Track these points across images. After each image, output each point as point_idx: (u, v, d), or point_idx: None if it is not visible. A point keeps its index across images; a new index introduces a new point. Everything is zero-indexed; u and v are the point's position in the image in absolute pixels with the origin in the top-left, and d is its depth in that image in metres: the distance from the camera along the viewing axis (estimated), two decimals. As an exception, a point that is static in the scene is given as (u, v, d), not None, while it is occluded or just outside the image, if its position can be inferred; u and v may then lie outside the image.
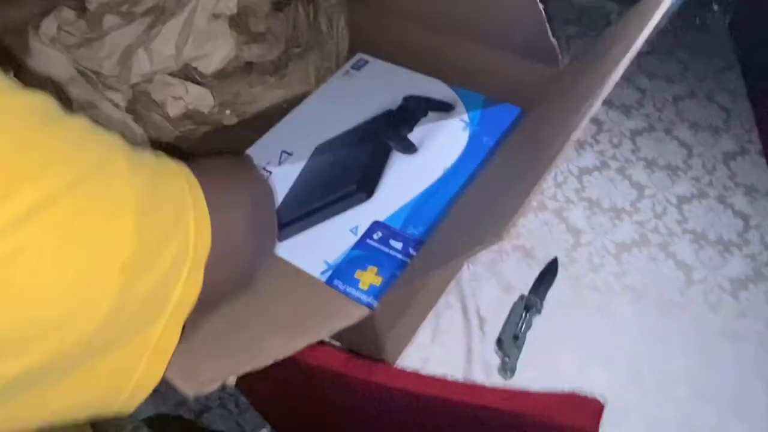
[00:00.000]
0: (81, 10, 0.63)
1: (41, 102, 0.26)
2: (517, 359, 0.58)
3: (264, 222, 0.44)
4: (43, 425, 0.27)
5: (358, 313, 0.47)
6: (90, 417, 0.30)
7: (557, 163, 0.36)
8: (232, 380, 0.39)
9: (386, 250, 0.54)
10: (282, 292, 0.48)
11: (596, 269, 0.66)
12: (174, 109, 0.66)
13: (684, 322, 0.61)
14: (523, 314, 0.61)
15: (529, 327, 0.60)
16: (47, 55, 0.60)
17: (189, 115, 0.67)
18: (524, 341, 0.59)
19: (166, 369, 0.32)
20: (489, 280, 0.65)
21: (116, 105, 0.63)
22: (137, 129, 0.64)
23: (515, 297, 0.63)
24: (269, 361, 0.39)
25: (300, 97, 0.72)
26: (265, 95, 0.71)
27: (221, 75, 0.68)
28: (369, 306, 0.48)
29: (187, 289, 0.30)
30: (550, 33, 0.59)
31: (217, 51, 0.66)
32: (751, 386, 0.57)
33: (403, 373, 0.55)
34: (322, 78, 0.75)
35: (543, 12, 0.55)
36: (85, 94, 0.61)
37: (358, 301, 0.49)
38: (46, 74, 0.60)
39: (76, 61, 0.62)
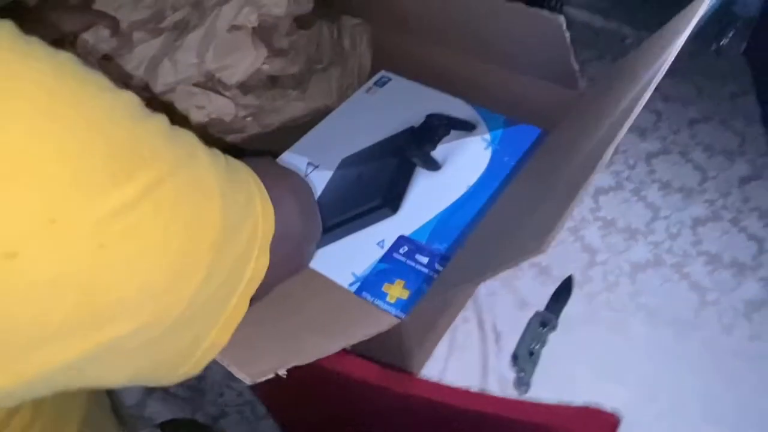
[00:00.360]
0: (115, 29, 0.66)
1: (133, 100, 0.28)
2: (532, 374, 0.59)
3: (309, 212, 0.48)
4: (110, 385, 0.32)
5: (388, 321, 0.49)
6: (155, 380, 0.33)
7: (594, 178, 0.38)
8: (283, 371, 0.42)
9: (412, 264, 0.56)
10: (316, 298, 0.51)
11: (611, 288, 0.67)
12: (197, 117, 0.68)
13: (697, 342, 0.62)
14: (539, 330, 0.62)
15: (544, 343, 0.62)
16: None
17: (212, 124, 0.69)
18: (539, 357, 0.61)
19: (225, 358, 0.37)
20: (505, 297, 0.66)
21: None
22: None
23: (531, 313, 0.64)
24: (311, 359, 0.42)
25: (322, 111, 0.74)
26: (286, 108, 0.73)
27: (244, 87, 0.71)
28: (398, 317, 0.50)
29: (257, 267, 0.34)
30: (573, 58, 0.61)
31: (240, 63, 0.69)
32: (764, 407, 0.57)
33: (426, 383, 0.56)
34: (344, 93, 0.78)
35: (568, 38, 0.56)
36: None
37: (388, 312, 0.51)
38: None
39: (107, 72, 0.65)
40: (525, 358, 0.60)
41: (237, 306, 0.33)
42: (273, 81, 0.73)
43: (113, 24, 0.66)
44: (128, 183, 0.24)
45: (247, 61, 0.69)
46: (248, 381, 0.41)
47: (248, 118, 0.71)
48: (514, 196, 0.59)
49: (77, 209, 0.23)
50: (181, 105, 0.67)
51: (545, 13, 0.56)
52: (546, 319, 0.63)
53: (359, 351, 0.56)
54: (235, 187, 0.33)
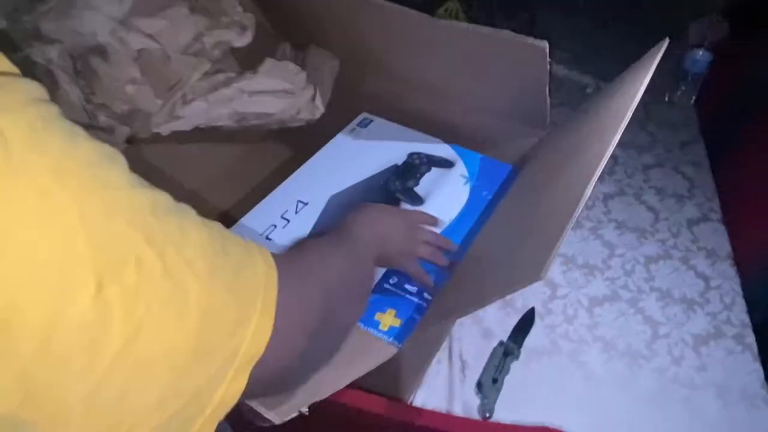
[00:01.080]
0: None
1: (157, 198, 0.29)
2: (495, 401, 0.62)
3: (339, 314, 0.44)
4: None
5: (389, 351, 0.51)
6: None
7: (579, 209, 0.42)
8: (305, 409, 0.44)
9: (402, 293, 0.59)
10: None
11: (570, 320, 0.71)
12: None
13: (650, 372, 0.66)
14: (502, 359, 0.65)
15: (507, 371, 0.65)
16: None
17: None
18: (502, 384, 0.64)
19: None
20: (471, 326, 0.70)
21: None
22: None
23: (495, 343, 0.68)
24: (329, 393, 0.45)
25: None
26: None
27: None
28: (394, 345, 0.53)
29: (230, 391, 0.30)
30: (548, 104, 0.66)
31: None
32: (710, 434, 0.61)
33: (400, 407, 0.58)
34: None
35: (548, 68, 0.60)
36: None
37: (382, 340, 0.53)
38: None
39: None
40: (489, 385, 0.63)
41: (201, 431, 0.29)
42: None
43: None
44: (95, 290, 0.24)
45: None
46: (277, 421, 0.42)
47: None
48: (497, 228, 0.63)
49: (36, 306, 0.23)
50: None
51: (530, 39, 0.57)
52: (509, 349, 0.66)
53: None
54: (229, 301, 0.30)
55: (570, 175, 0.53)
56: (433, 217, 0.65)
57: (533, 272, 0.38)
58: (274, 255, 0.36)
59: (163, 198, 0.30)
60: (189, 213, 0.31)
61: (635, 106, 0.48)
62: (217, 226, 0.33)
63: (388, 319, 0.55)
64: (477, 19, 1.13)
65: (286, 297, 0.34)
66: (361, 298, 0.50)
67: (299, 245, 0.49)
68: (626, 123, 0.47)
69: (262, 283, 0.33)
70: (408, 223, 0.61)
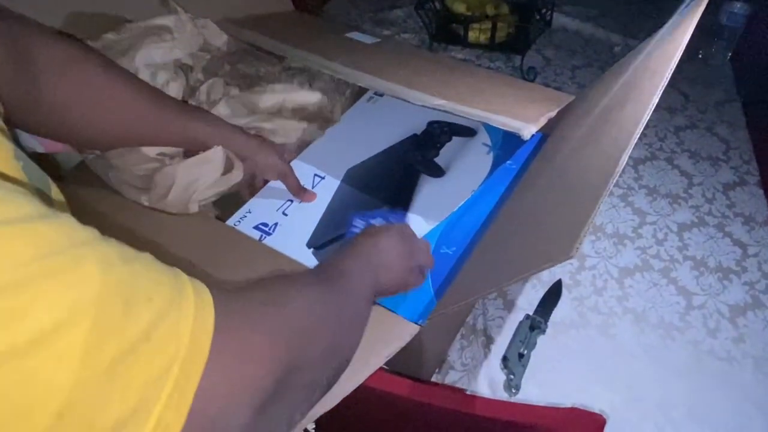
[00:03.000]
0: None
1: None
2: (521, 377, 0.60)
3: (314, 370, 0.36)
4: None
5: (408, 332, 0.49)
6: None
7: (613, 183, 0.38)
8: (311, 426, 0.41)
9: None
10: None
11: (599, 292, 0.69)
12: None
13: (683, 345, 0.64)
14: (528, 333, 0.63)
15: (533, 346, 0.63)
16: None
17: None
18: (529, 359, 0.62)
19: None
20: (495, 300, 0.67)
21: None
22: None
23: (520, 317, 0.65)
24: (348, 391, 0.42)
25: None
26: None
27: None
28: (416, 322, 0.50)
29: None
30: None
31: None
32: (746, 409, 0.59)
33: (420, 386, 0.56)
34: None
35: None
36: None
37: (405, 317, 0.51)
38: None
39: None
40: (515, 361, 0.61)
41: None
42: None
43: None
44: None
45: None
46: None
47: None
48: (522, 200, 0.60)
49: None
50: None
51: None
52: (535, 323, 0.64)
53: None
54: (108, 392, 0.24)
55: (602, 142, 0.49)
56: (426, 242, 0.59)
57: (563, 250, 0.36)
58: (218, 300, 0.29)
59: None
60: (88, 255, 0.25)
61: (674, 67, 0.44)
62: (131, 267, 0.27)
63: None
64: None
65: (225, 346, 0.28)
66: (351, 345, 0.42)
67: (272, 279, 0.38)
68: (665, 85, 0.43)
69: (188, 328, 0.27)
70: (404, 244, 0.53)
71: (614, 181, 0.39)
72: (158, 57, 0.71)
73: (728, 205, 0.79)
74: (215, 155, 0.60)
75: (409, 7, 1.18)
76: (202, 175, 0.59)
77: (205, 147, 0.60)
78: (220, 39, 0.79)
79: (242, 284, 0.35)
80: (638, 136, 0.41)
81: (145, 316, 0.25)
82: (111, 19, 0.73)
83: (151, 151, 0.60)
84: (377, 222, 0.63)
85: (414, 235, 0.56)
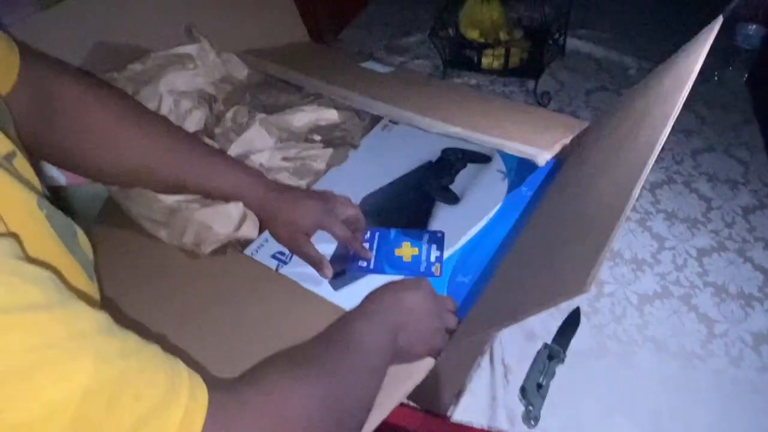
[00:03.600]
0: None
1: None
2: (540, 408, 0.59)
3: None
4: None
5: (425, 367, 0.49)
6: None
7: (626, 215, 0.38)
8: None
9: None
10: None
11: (618, 320, 0.68)
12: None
13: (705, 374, 0.62)
14: (547, 363, 0.63)
15: (552, 376, 0.62)
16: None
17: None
18: (548, 390, 0.61)
19: None
20: (513, 329, 0.67)
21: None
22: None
23: (539, 345, 0.65)
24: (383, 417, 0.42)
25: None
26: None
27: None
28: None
29: None
30: None
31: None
32: (774, 441, 0.57)
33: (433, 420, 0.56)
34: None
35: None
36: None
37: None
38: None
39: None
40: (533, 391, 0.60)
41: None
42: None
43: None
44: None
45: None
46: None
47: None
48: (537, 230, 0.60)
49: None
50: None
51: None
52: (554, 352, 0.63)
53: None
54: None
55: (617, 168, 0.49)
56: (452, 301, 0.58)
57: (577, 285, 0.36)
58: (213, 401, 0.30)
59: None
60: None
61: (688, 90, 0.44)
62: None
63: None
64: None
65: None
66: (358, 423, 0.41)
67: (271, 371, 0.38)
68: (679, 108, 0.43)
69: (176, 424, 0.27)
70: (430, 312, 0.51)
71: (630, 208, 0.39)
72: (181, 84, 0.73)
73: (748, 230, 0.77)
74: (235, 210, 0.60)
75: (422, 34, 1.20)
76: (216, 226, 0.59)
77: (228, 198, 0.60)
78: (241, 71, 0.80)
79: (245, 374, 0.35)
80: (654, 159, 0.41)
81: (130, 417, 0.25)
82: (135, 49, 0.75)
83: (168, 198, 0.60)
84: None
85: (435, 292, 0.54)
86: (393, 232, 0.63)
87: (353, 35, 1.25)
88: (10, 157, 0.33)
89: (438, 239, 0.63)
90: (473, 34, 1.06)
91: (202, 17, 0.82)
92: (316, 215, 0.60)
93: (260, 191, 0.61)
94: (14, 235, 0.27)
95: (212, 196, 0.60)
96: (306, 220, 0.60)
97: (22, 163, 0.34)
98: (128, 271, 0.59)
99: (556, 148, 0.67)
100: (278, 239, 0.63)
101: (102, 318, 0.28)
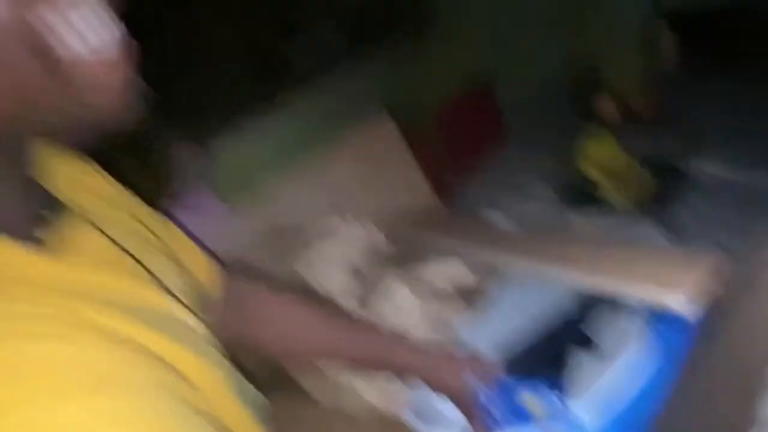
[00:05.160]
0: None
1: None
2: None
3: None
4: None
5: None
6: None
7: None
8: None
9: None
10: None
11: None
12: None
13: None
14: None
15: None
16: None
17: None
18: None
19: None
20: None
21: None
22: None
23: None
24: None
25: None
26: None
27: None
28: None
29: None
30: None
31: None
32: None
33: None
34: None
35: None
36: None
37: None
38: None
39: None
40: None
41: None
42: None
43: None
44: None
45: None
46: None
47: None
48: (689, 388, 0.56)
49: None
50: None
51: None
52: None
53: None
54: None
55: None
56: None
57: None
58: None
59: None
60: None
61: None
62: None
63: None
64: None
65: None
66: None
67: None
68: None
69: None
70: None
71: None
72: (331, 257, 0.81)
73: None
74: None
75: (540, 175, 1.22)
76: None
77: (405, 372, 0.60)
78: (379, 238, 0.89)
79: None
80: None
81: None
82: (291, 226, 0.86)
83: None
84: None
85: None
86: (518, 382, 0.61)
87: (473, 184, 1.30)
88: None
89: (561, 386, 0.61)
90: (594, 173, 1.06)
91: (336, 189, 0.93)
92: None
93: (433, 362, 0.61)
94: None
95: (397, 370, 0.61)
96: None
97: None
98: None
99: (700, 296, 0.63)
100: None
101: None
